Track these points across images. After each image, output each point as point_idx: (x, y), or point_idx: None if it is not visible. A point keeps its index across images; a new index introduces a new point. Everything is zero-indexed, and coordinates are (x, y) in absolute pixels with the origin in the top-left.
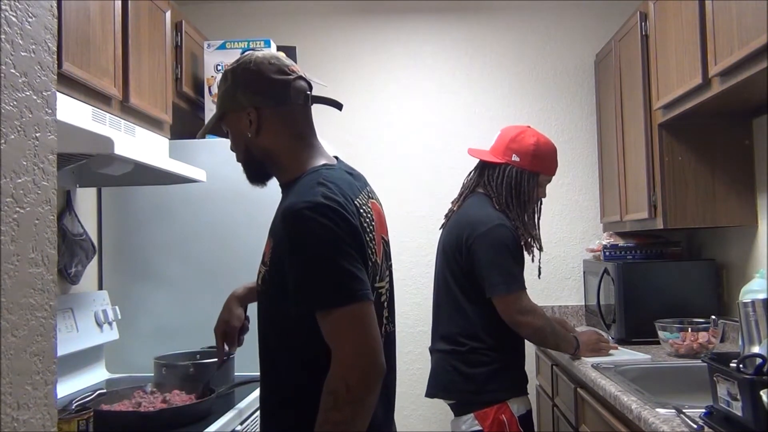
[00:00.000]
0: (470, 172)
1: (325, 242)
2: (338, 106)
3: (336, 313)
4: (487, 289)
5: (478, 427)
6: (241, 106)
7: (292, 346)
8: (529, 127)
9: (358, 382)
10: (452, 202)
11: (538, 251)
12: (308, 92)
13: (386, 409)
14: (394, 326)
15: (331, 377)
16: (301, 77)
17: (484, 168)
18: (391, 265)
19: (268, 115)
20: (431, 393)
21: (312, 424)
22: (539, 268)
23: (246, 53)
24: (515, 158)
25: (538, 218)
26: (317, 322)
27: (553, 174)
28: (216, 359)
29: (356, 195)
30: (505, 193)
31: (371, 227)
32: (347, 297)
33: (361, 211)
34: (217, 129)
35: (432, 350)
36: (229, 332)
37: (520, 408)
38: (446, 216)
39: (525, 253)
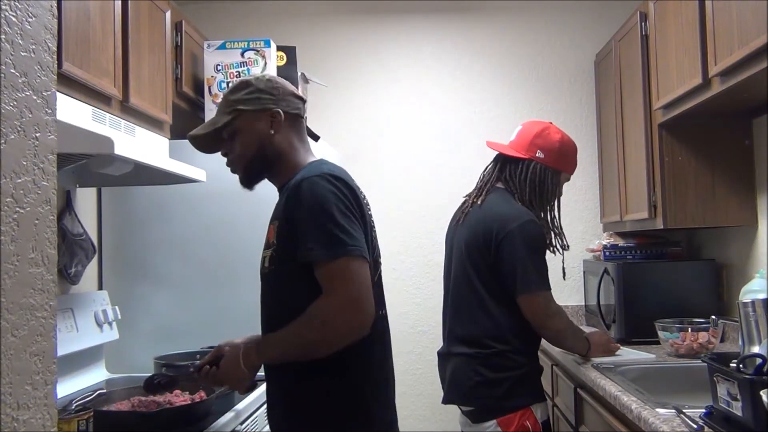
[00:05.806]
0: (488, 166)
1: (328, 201)
2: (315, 137)
3: (329, 265)
4: (518, 287)
5: None
6: (265, 106)
7: None
8: (551, 123)
9: (334, 328)
10: (468, 196)
11: (561, 249)
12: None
13: (386, 395)
14: (385, 309)
15: (317, 307)
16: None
17: (505, 162)
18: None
19: (285, 120)
20: (449, 399)
21: (319, 410)
22: (563, 269)
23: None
24: (539, 154)
25: (559, 216)
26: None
27: (573, 172)
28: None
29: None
30: (528, 190)
31: (370, 213)
32: (340, 250)
33: (362, 193)
34: (215, 135)
35: (448, 354)
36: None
37: (542, 414)
38: (462, 210)
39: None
